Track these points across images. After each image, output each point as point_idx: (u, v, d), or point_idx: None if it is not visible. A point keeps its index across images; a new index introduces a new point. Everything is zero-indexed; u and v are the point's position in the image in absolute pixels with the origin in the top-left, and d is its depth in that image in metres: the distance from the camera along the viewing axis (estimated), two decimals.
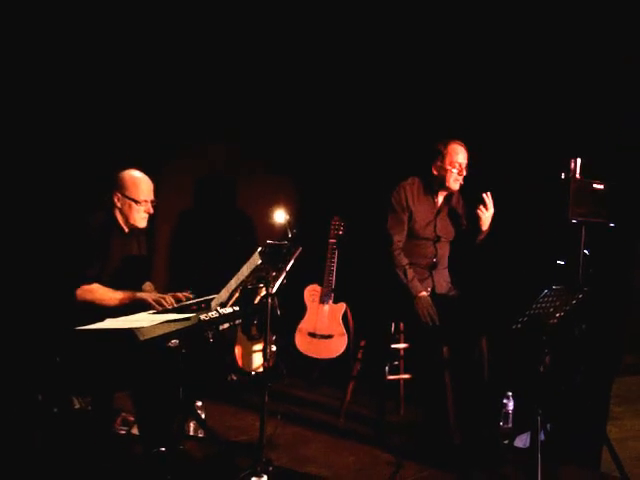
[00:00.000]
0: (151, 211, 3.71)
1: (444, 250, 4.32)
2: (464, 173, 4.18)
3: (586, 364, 3.95)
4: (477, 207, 4.11)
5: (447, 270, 4.35)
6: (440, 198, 4.31)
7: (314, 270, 5.14)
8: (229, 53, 5.29)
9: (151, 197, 3.70)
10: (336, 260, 5.13)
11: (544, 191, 4.04)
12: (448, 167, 4.15)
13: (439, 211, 4.31)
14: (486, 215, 4.11)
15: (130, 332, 2.88)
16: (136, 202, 3.64)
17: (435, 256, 4.25)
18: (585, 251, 3.80)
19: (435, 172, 4.20)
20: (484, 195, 4.11)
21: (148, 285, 3.92)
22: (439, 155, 4.17)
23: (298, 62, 5.56)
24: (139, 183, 3.66)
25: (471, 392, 3.94)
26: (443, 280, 4.29)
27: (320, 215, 5.27)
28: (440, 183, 4.22)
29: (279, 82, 5.55)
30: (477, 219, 4.13)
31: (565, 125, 4.48)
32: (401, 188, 4.24)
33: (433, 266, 4.24)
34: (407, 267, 4.11)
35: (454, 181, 4.18)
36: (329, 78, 5.63)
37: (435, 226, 4.27)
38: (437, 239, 4.26)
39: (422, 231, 4.23)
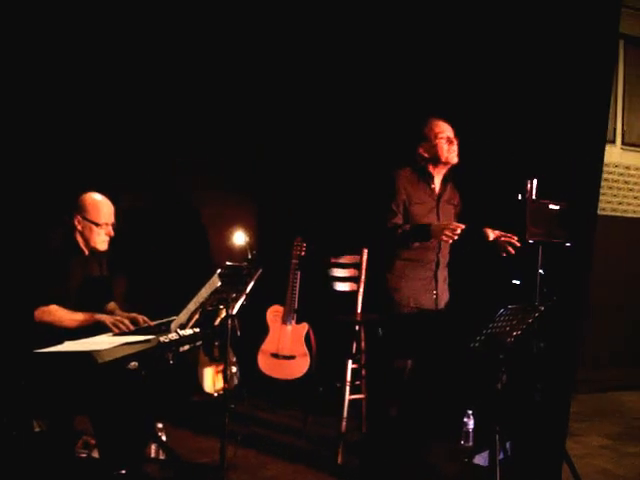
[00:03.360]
0: (111, 234, 3.73)
1: (445, 244, 3.98)
2: (455, 143, 3.94)
3: (544, 381, 4.00)
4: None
5: (447, 269, 4.08)
6: (437, 182, 4.03)
7: (276, 291, 5.16)
8: (188, 64, 5.30)
9: (112, 220, 3.73)
10: (298, 280, 5.16)
11: (501, 212, 4.11)
12: (436, 141, 3.91)
13: (439, 197, 4.03)
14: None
15: (88, 355, 2.88)
16: (96, 225, 3.67)
17: (439, 251, 3.97)
18: (540, 271, 3.87)
19: (425, 153, 3.95)
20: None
21: (112, 305, 3.93)
22: (422, 136, 3.96)
23: (257, 79, 5.55)
24: (100, 206, 3.70)
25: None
26: (443, 281, 4.03)
27: (282, 236, 5.29)
28: (434, 161, 3.95)
29: (237, 96, 5.53)
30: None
31: (521, 146, 4.55)
32: (394, 173, 3.96)
33: (437, 264, 3.97)
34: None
35: (448, 152, 3.92)
36: (290, 95, 5.63)
37: (438, 214, 3.99)
38: None
39: (425, 218, 3.92)
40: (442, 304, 4.00)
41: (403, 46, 5.24)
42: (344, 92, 5.49)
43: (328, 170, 5.47)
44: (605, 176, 6.75)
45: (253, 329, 4.91)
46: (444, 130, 3.94)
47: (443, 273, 4.03)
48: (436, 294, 3.96)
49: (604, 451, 4.66)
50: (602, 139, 4.38)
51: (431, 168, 3.99)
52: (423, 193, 3.98)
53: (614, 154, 6.81)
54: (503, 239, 3.90)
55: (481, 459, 3.94)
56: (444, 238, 3.69)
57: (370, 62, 5.40)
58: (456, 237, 3.66)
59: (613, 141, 6.80)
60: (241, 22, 5.35)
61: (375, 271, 4.19)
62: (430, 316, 3.91)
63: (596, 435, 4.98)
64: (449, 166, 4.00)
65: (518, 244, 3.86)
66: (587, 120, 4.35)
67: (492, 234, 3.95)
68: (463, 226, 3.68)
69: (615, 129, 6.79)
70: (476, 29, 4.87)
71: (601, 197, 6.72)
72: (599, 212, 6.19)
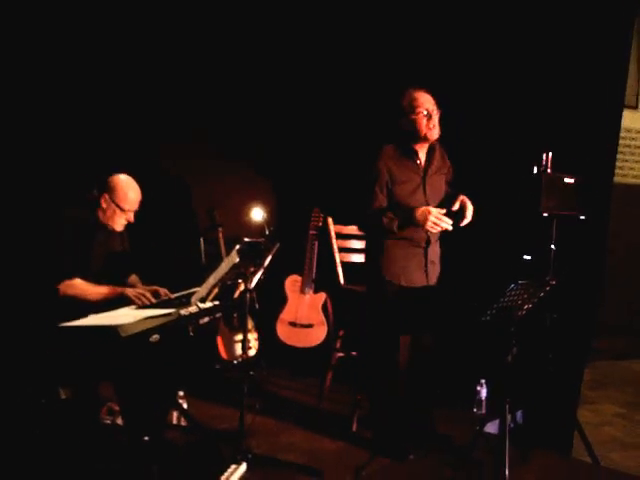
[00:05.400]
0: (132, 220, 3.82)
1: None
2: (435, 117, 3.74)
3: (556, 352, 4.05)
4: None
5: (438, 243, 3.96)
6: (422, 156, 3.86)
7: (295, 260, 5.23)
8: (197, 53, 5.33)
9: (135, 207, 3.80)
10: (316, 251, 5.22)
11: (515, 185, 4.13)
12: (415, 116, 3.73)
13: (425, 171, 3.87)
14: (469, 214, 3.81)
15: (112, 329, 2.99)
16: (121, 209, 3.75)
17: None
18: (552, 246, 3.90)
19: (405, 128, 3.78)
20: (460, 203, 3.82)
21: (133, 277, 4.04)
22: (401, 109, 3.77)
23: (267, 60, 5.58)
24: (128, 192, 3.77)
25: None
26: (435, 256, 3.92)
27: (300, 206, 5.34)
28: (415, 136, 3.78)
29: (246, 78, 5.56)
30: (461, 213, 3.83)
31: (536, 119, 4.52)
32: (378, 151, 3.81)
33: (428, 241, 3.85)
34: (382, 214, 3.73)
35: (427, 127, 3.73)
36: (299, 74, 5.65)
37: (424, 190, 3.84)
38: (428, 205, 3.76)
39: (410, 197, 3.78)
40: (433, 280, 3.91)
41: (410, 16, 5.21)
42: (360, 61, 5.48)
43: (342, 141, 5.47)
44: (627, 142, 6.72)
45: (272, 298, 4.99)
46: (423, 103, 3.74)
47: (434, 249, 3.91)
48: (427, 271, 3.86)
49: (617, 419, 4.70)
50: (619, 110, 4.37)
51: (413, 143, 3.83)
52: (408, 170, 3.83)
53: (636, 119, 6.75)
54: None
55: (492, 427, 4.02)
56: (429, 228, 3.64)
57: (376, 32, 5.38)
58: (441, 227, 3.64)
59: (636, 107, 6.74)
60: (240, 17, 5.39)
61: (365, 249, 4.14)
62: (422, 292, 3.85)
63: (610, 403, 5.02)
64: (431, 141, 3.84)
65: (460, 224, 3.78)
66: (603, 88, 4.33)
67: (457, 205, 3.81)
68: (443, 211, 3.66)
69: (638, 94, 6.73)
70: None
71: (623, 164, 6.72)
72: (620, 180, 6.22)
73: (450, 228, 3.67)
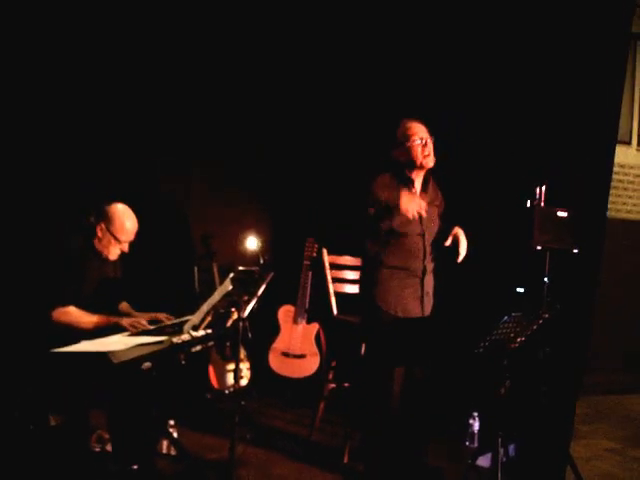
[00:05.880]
0: (126, 250, 3.80)
1: (431, 249, 3.84)
2: (430, 146, 3.75)
3: (549, 385, 4.04)
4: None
5: (433, 275, 3.90)
6: (417, 185, 3.85)
7: (288, 290, 5.23)
8: (196, 84, 5.38)
9: (131, 238, 3.79)
10: (310, 281, 5.23)
11: (509, 218, 4.15)
12: (409, 144, 3.73)
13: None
14: (462, 250, 3.78)
15: (104, 355, 2.98)
16: (116, 240, 3.73)
17: (424, 258, 3.80)
18: (545, 279, 3.92)
19: (401, 157, 3.79)
20: (452, 238, 3.79)
21: (125, 305, 4.03)
22: (396, 139, 3.79)
23: (264, 91, 5.64)
24: (125, 223, 3.74)
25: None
26: (430, 287, 3.87)
27: (294, 236, 5.37)
28: (410, 165, 3.78)
29: (244, 108, 5.61)
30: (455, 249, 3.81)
31: (530, 153, 4.56)
32: (372, 181, 3.79)
33: (424, 271, 3.81)
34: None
35: (423, 155, 3.73)
36: (296, 105, 5.70)
37: (420, 219, 3.77)
38: (423, 234, 3.79)
39: (406, 225, 3.72)
40: (428, 311, 3.87)
41: (407, 49, 5.28)
42: (355, 93, 5.55)
43: (338, 172, 5.49)
44: (620, 177, 6.75)
45: (265, 328, 4.99)
46: (417, 132, 3.75)
47: (429, 280, 3.86)
48: (422, 301, 3.82)
49: (610, 455, 4.65)
50: (612, 144, 4.42)
51: (409, 172, 3.82)
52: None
53: (630, 155, 6.77)
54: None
55: (484, 460, 3.99)
56: (407, 213, 3.57)
57: (375, 59, 5.46)
58: (419, 213, 3.60)
59: (629, 142, 6.77)
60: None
61: (360, 279, 4.11)
62: (417, 323, 3.81)
63: (603, 438, 4.98)
64: (426, 169, 3.83)
65: (457, 260, 3.77)
66: (597, 124, 4.37)
67: (449, 240, 3.79)
68: (424, 205, 3.64)
69: (631, 130, 6.77)
70: (484, 32, 4.88)
71: (616, 199, 6.74)
72: (614, 214, 6.24)
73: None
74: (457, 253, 3.77)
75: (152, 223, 4.07)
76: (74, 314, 3.56)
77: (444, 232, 3.86)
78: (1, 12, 4.39)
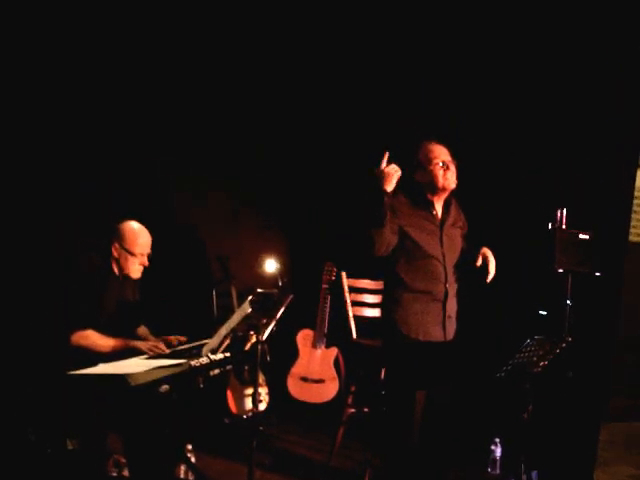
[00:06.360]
0: (146, 264, 3.81)
1: (453, 272, 3.77)
2: (452, 169, 3.72)
3: (573, 410, 3.99)
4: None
5: (456, 299, 3.83)
6: (438, 208, 3.80)
7: (307, 314, 5.21)
8: (211, 101, 5.41)
9: (148, 251, 3.81)
10: (329, 305, 5.20)
11: (531, 240, 4.12)
12: (431, 167, 3.70)
13: (442, 223, 3.79)
14: (492, 269, 3.72)
15: (122, 378, 2.96)
16: (132, 254, 3.75)
17: (446, 281, 3.72)
18: (568, 301, 3.87)
19: (422, 180, 3.75)
20: (482, 258, 3.75)
21: (143, 329, 4.03)
22: (417, 162, 3.76)
23: (280, 109, 5.67)
24: (137, 237, 3.77)
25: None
26: (452, 311, 3.80)
27: (314, 259, 5.34)
28: (432, 188, 3.74)
29: (261, 127, 5.63)
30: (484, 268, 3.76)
31: (551, 176, 4.56)
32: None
33: (446, 294, 3.73)
34: None
35: (444, 178, 3.70)
36: (313, 119, 5.74)
37: (441, 241, 3.74)
38: (445, 257, 3.74)
39: (426, 248, 3.70)
40: (451, 335, 3.80)
41: (427, 62, 5.31)
42: (379, 110, 5.55)
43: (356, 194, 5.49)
44: None
45: (283, 352, 4.96)
46: (439, 155, 3.72)
47: (452, 304, 3.79)
48: (445, 325, 3.75)
49: None
50: (633, 165, 4.40)
51: (430, 195, 3.78)
52: (423, 220, 3.76)
53: None
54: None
55: None
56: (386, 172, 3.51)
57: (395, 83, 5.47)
58: (396, 170, 3.52)
59: None
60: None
61: (382, 303, 4.02)
62: (439, 348, 3.74)
63: (626, 465, 4.90)
64: (448, 191, 3.79)
65: (487, 280, 3.73)
66: (618, 147, 4.36)
67: (480, 260, 3.75)
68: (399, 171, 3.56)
69: None
70: (508, 50, 4.89)
71: (637, 223, 6.68)
72: (636, 239, 6.18)
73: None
74: (487, 273, 3.73)
75: (170, 247, 4.07)
76: (92, 337, 3.55)
77: (469, 253, 3.84)
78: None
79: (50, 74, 4.62)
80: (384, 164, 3.54)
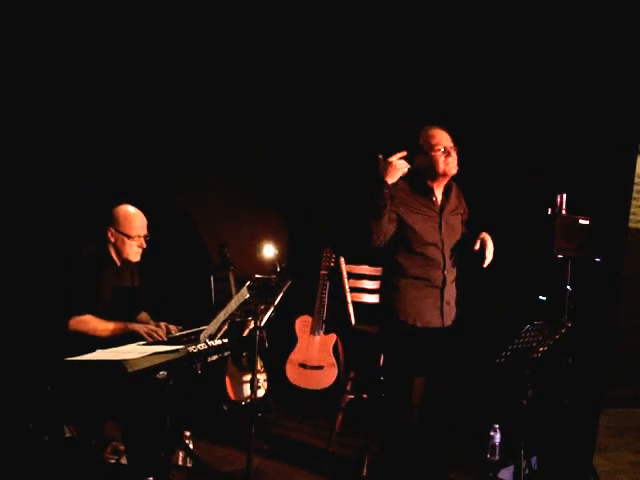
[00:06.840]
0: (144, 246, 3.80)
1: (451, 258, 3.77)
2: (453, 154, 3.69)
3: (571, 397, 3.98)
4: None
5: (455, 284, 3.83)
6: (438, 194, 3.78)
7: (305, 301, 5.20)
8: (213, 92, 5.40)
9: (144, 232, 3.79)
10: (327, 291, 5.19)
11: (530, 226, 4.10)
12: (432, 153, 3.67)
13: (442, 209, 3.77)
14: (489, 254, 3.72)
15: (119, 364, 2.95)
16: (129, 237, 3.73)
17: (444, 268, 3.72)
18: (568, 287, 3.85)
19: (423, 165, 3.71)
20: (480, 242, 3.72)
21: (144, 315, 4.01)
22: (419, 146, 3.73)
23: (283, 101, 5.65)
24: (132, 219, 3.76)
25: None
26: (451, 297, 3.80)
27: (312, 246, 5.34)
28: (432, 174, 3.71)
29: (261, 118, 5.61)
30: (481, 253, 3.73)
31: (551, 162, 4.55)
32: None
33: (444, 281, 3.73)
34: None
35: (445, 164, 3.66)
36: (312, 106, 5.71)
37: (440, 228, 3.74)
38: (443, 244, 3.73)
39: (425, 235, 3.69)
40: (449, 321, 3.78)
41: (426, 53, 5.31)
42: (381, 99, 5.55)
43: (356, 180, 5.47)
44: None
45: (282, 339, 4.95)
46: (440, 141, 3.69)
47: (450, 290, 3.79)
48: (442, 311, 3.74)
49: (635, 468, 4.57)
50: (633, 152, 4.38)
51: (430, 181, 3.76)
52: (423, 205, 3.74)
53: None
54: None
55: (506, 474, 3.93)
56: (393, 164, 3.49)
57: (398, 69, 5.46)
58: (403, 166, 3.52)
59: None
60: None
61: (380, 289, 4.04)
62: (437, 334, 3.73)
63: (626, 451, 4.90)
64: (449, 177, 3.76)
65: (484, 265, 3.71)
66: (618, 133, 4.34)
67: (478, 244, 3.72)
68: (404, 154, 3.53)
69: None
70: (508, 42, 4.88)
71: (637, 209, 6.66)
72: (637, 225, 6.17)
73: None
74: (483, 257, 3.71)
75: (168, 233, 4.05)
76: (91, 322, 3.54)
77: (468, 238, 3.82)
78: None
79: (52, 74, 4.63)
80: (396, 157, 3.52)
